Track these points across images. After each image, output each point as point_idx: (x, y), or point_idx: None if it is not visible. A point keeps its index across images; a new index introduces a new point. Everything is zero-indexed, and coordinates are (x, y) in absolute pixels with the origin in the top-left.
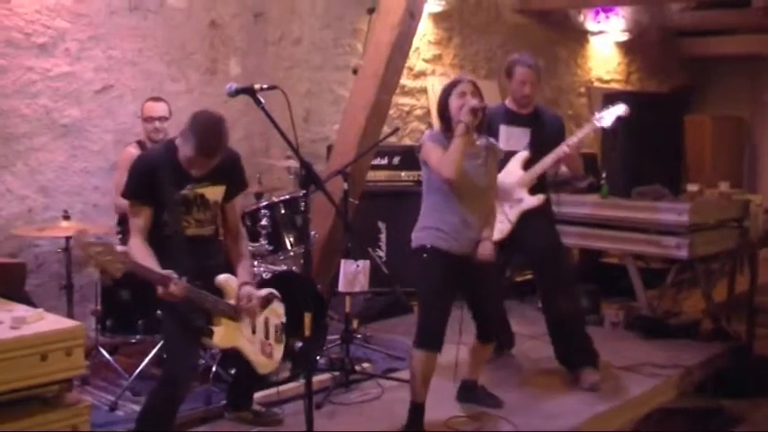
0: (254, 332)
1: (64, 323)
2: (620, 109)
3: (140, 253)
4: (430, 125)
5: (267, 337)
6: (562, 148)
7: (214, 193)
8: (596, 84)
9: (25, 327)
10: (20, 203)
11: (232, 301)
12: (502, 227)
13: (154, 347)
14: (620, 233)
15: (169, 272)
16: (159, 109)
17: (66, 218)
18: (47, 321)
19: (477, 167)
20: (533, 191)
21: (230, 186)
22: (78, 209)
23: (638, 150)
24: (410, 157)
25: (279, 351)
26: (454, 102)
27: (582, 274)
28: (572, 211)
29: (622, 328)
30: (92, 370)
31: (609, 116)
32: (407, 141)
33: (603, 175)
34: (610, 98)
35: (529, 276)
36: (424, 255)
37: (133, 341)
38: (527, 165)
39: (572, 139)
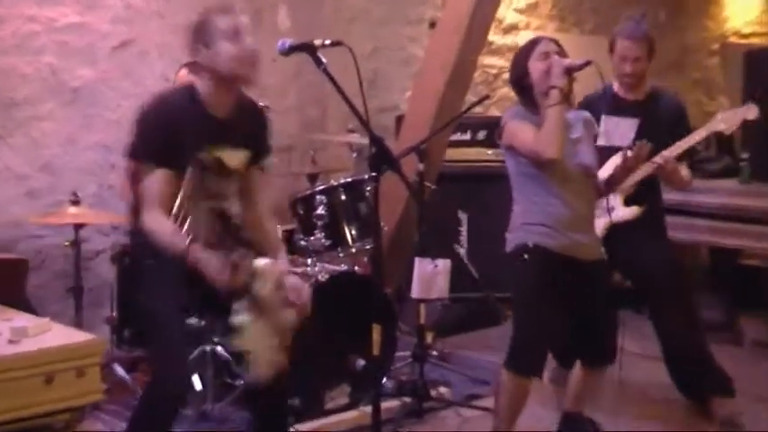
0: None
1: (74, 336)
2: (749, 111)
3: (178, 234)
4: None
5: None
6: (652, 163)
7: (236, 158)
8: (733, 39)
9: (26, 341)
10: (18, 184)
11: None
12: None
13: None
14: (765, 228)
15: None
16: None
17: (76, 202)
18: (53, 334)
19: (577, 144)
20: (639, 197)
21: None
22: (90, 191)
23: None
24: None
25: None
26: (537, 65)
27: (714, 279)
28: (702, 200)
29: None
30: (105, 391)
31: (731, 119)
32: (495, 112)
33: (744, 154)
34: (753, 59)
35: None
36: (525, 255)
37: None
38: None
39: (670, 151)
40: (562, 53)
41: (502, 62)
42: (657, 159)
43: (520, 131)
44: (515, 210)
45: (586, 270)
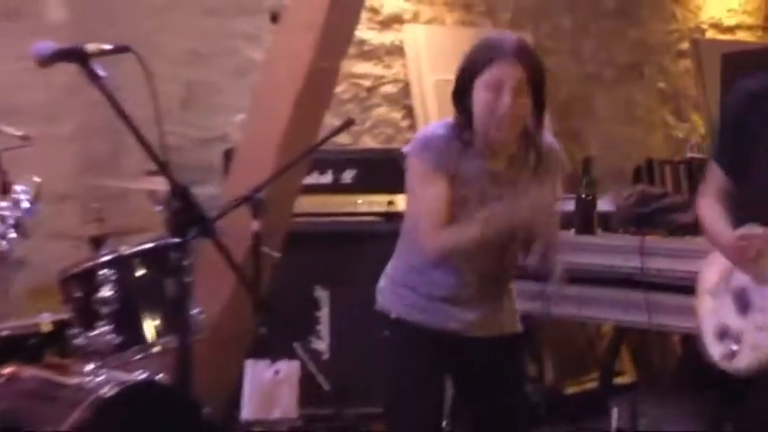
0: None
1: None
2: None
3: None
4: (408, 112)
5: None
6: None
7: None
8: (711, 33)
9: None
10: None
11: None
12: None
13: None
14: None
15: None
16: None
17: None
18: None
19: (501, 192)
20: None
21: None
22: None
23: None
24: (375, 170)
25: None
26: (480, 94)
27: (692, 377)
28: (666, 268)
29: None
30: None
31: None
32: (369, 142)
33: None
34: (733, 63)
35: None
36: (386, 332)
37: None
38: None
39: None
40: (524, 81)
41: (379, 70)
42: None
43: (420, 184)
44: (395, 252)
45: (480, 347)
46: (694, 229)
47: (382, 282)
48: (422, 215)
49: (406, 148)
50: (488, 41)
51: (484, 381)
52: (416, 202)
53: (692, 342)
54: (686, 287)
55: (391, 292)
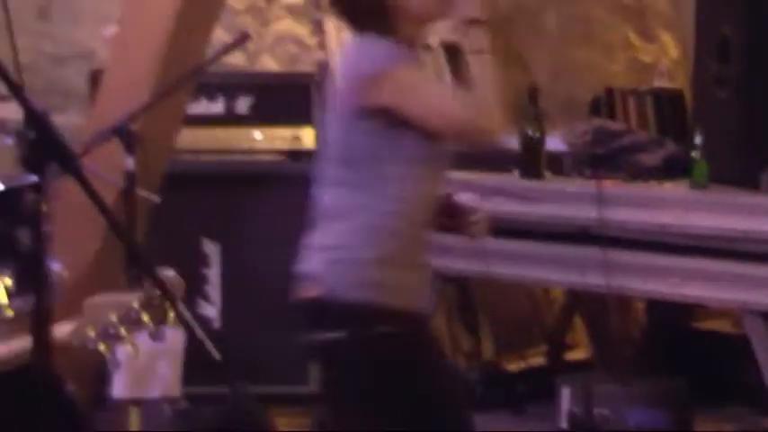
0: None
1: None
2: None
3: None
4: (317, 26)
5: None
6: None
7: None
8: None
9: None
10: None
11: None
12: None
13: None
14: (737, 266)
15: None
16: None
17: None
18: None
19: None
20: None
21: None
22: None
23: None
24: (276, 98)
25: None
26: None
27: (652, 356)
28: (628, 220)
29: None
30: None
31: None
32: (269, 63)
33: (697, 138)
34: None
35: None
36: (378, 327)
37: None
38: None
39: None
40: None
41: None
42: None
43: (421, 87)
44: (347, 225)
45: None
46: (660, 172)
47: (334, 265)
48: (453, 109)
49: (369, 69)
50: None
51: None
52: (438, 97)
53: (658, 310)
54: (652, 242)
55: (368, 277)
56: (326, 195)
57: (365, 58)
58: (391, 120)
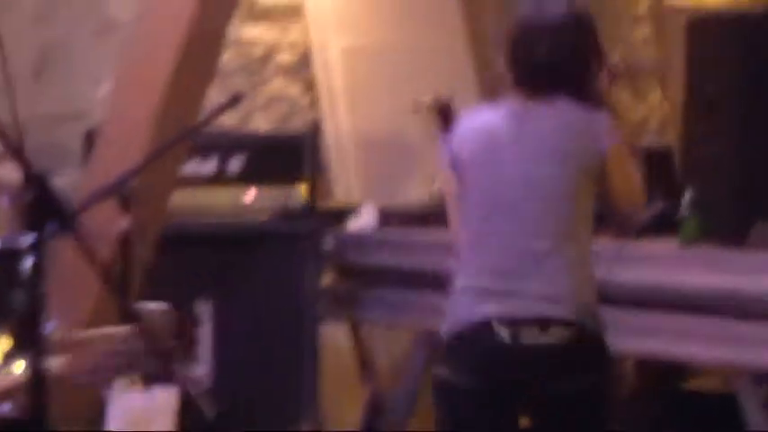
0: None
1: None
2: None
3: None
4: (308, 86)
5: None
6: None
7: None
8: None
9: None
10: None
11: None
12: None
13: None
14: (727, 324)
15: None
16: None
17: None
18: None
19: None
20: None
21: None
22: None
23: (764, 138)
24: (268, 157)
25: None
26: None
27: (644, 411)
28: (617, 278)
29: None
30: None
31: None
32: (261, 123)
33: (687, 194)
34: (699, 30)
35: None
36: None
37: None
38: None
39: None
40: None
41: (274, 35)
42: None
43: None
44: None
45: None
46: (650, 230)
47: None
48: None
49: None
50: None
51: None
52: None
53: (648, 369)
54: (641, 300)
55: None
56: None
57: None
58: None
